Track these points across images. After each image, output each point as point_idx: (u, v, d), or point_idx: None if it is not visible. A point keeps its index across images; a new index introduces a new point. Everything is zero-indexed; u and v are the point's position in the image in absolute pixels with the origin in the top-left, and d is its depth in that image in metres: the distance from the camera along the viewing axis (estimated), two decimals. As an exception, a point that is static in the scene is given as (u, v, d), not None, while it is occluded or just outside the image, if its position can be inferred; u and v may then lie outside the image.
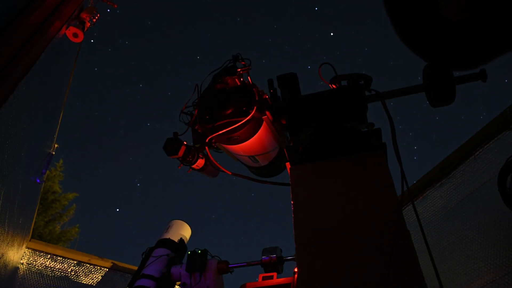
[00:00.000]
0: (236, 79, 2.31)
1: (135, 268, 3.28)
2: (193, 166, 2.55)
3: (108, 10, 5.61)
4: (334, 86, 2.21)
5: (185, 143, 2.46)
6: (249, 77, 2.35)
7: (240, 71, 2.33)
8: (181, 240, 3.02)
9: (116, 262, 4.73)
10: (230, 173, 2.57)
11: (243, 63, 2.35)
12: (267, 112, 2.23)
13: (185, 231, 3.13)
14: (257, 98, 2.20)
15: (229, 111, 2.19)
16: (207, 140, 2.27)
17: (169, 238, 2.98)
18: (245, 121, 2.13)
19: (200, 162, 2.55)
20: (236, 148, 2.36)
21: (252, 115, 2.13)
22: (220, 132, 2.17)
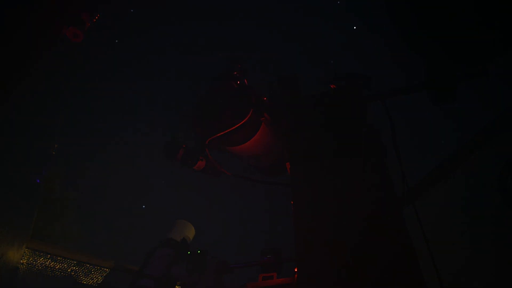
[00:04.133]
0: (233, 82, 2.34)
1: (136, 268, 3.28)
2: (194, 167, 2.58)
3: (132, 10, 5.60)
4: (333, 86, 2.22)
5: (184, 146, 2.50)
6: (245, 80, 2.37)
7: (237, 74, 2.36)
8: (184, 240, 3.03)
9: (116, 262, 4.73)
10: (229, 174, 2.59)
11: (239, 66, 2.38)
12: (265, 114, 2.26)
13: (188, 232, 3.14)
14: (254, 101, 2.23)
15: (226, 114, 2.23)
16: (206, 143, 2.31)
17: (171, 238, 2.99)
18: (241, 124, 2.17)
19: (201, 164, 2.58)
20: (236, 149, 2.38)
21: (248, 118, 2.17)
22: (218, 135, 2.21)
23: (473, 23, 1.69)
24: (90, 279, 4.55)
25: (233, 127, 2.18)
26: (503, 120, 3.17)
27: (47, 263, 4.36)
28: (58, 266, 4.40)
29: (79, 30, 3.72)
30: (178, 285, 2.93)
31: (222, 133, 2.20)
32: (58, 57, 4.11)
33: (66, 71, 4.83)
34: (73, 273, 4.46)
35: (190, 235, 3.16)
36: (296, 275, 2.31)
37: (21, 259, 4.23)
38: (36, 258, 4.32)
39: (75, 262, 4.48)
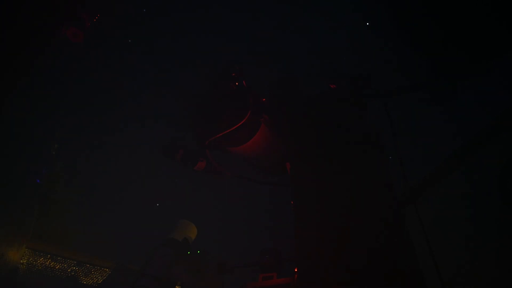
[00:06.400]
0: (232, 84, 2.35)
1: (136, 268, 3.27)
2: (195, 168, 2.59)
3: (144, 10, 5.58)
4: (333, 85, 2.22)
5: (184, 147, 2.52)
6: (244, 81, 2.38)
7: (235, 75, 2.37)
8: (185, 240, 3.04)
9: (117, 262, 4.72)
10: (229, 174, 2.60)
11: (237, 67, 2.39)
12: (265, 115, 2.27)
13: (190, 232, 3.15)
14: (251, 102, 2.25)
15: (225, 115, 2.25)
16: (206, 143, 2.33)
17: (172, 238, 3.00)
18: (240, 124, 2.18)
19: (201, 165, 2.59)
20: (237, 149, 2.39)
21: (247, 119, 2.18)
22: (217, 136, 2.23)
23: (475, 23, 1.68)
24: (90, 279, 4.55)
25: (232, 128, 2.20)
26: (503, 120, 3.16)
27: (47, 263, 4.36)
28: (58, 266, 4.40)
29: (79, 30, 3.72)
30: (178, 285, 2.94)
31: (221, 134, 2.22)
32: (58, 57, 4.11)
33: (67, 70, 4.83)
34: (73, 273, 4.46)
35: (192, 235, 3.16)
36: (296, 275, 2.31)
37: (21, 259, 4.23)
38: (36, 258, 4.31)
39: (75, 262, 4.48)
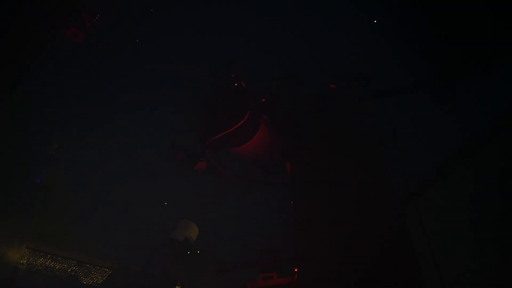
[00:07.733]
0: (231, 85, 2.36)
1: (136, 268, 3.27)
2: (195, 168, 2.60)
3: (152, 10, 5.59)
4: (333, 86, 2.22)
5: (184, 147, 2.53)
6: (243, 82, 2.39)
7: (235, 76, 2.38)
8: (186, 240, 3.04)
9: (117, 262, 4.72)
10: (228, 174, 2.60)
11: (237, 69, 2.40)
12: (264, 115, 2.28)
13: (191, 232, 3.15)
14: (250, 102, 2.26)
15: (225, 116, 2.26)
16: (207, 144, 2.34)
17: (173, 237, 3.01)
18: (239, 125, 2.19)
19: (202, 165, 2.60)
20: (237, 150, 2.40)
21: (246, 119, 2.20)
22: (216, 136, 2.24)
23: (475, 23, 1.68)
24: (90, 279, 4.55)
25: (232, 128, 2.21)
26: (503, 120, 3.16)
27: (47, 263, 4.36)
28: (58, 266, 4.40)
29: (79, 30, 3.72)
30: (178, 285, 2.94)
31: (221, 134, 2.23)
32: (59, 57, 4.11)
33: (67, 70, 4.83)
34: (73, 273, 4.46)
35: (193, 235, 3.17)
36: (296, 275, 2.31)
37: (21, 259, 4.23)
38: (36, 258, 4.31)
39: (75, 262, 4.48)
